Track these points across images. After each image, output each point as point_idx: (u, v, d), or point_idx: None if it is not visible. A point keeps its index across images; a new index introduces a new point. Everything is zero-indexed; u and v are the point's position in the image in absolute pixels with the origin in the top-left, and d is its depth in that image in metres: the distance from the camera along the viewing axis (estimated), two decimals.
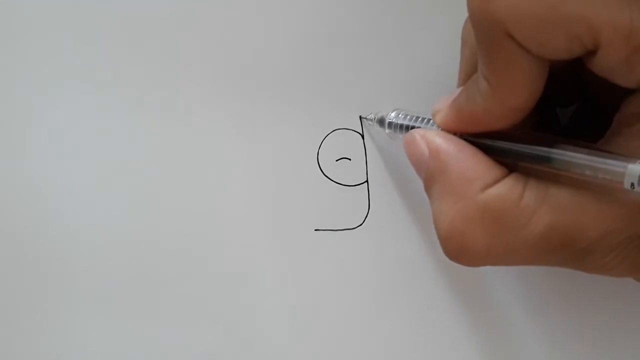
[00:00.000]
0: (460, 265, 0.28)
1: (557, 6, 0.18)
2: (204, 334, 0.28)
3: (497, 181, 0.21)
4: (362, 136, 0.28)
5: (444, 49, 0.28)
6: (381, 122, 0.27)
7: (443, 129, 0.23)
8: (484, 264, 0.22)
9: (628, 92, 0.21)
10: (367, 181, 0.28)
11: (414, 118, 0.25)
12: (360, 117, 0.28)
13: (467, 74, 0.24)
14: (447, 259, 0.28)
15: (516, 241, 0.20)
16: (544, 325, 0.28)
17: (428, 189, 0.23)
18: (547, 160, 0.20)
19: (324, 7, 0.28)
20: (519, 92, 0.20)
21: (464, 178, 0.21)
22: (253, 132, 0.28)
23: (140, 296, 0.28)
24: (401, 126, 0.26)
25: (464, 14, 0.21)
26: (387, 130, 0.26)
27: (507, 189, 0.21)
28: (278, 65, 0.28)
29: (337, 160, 0.28)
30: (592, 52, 0.19)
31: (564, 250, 0.20)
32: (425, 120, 0.25)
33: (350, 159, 0.28)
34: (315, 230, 0.28)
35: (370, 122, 0.28)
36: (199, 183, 0.28)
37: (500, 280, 0.28)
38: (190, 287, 0.28)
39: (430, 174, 0.22)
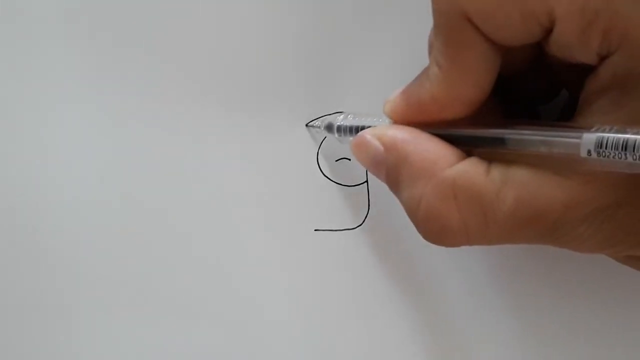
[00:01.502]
0: (460, 266, 0.28)
1: None
2: (204, 333, 0.28)
3: (461, 159, 0.21)
4: None
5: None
6: (329, 128, 0.26)
7: (393, 120, 0.23)
8: (463, 243, 0.21)
9: (590, 71, 0.20)
10: (367, 181, 0.28)
11: (362, 118, 0.25)
12: (307, 125, 0.28)
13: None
14: (447, 260, 0.28)
15: (490, 216, 0.20)
16: (545, 325, 0.28)
17: (393, 182, 0.22)
18: (501, 142, 0.20)
19: (324, 7, 0.28)
20: (468, 80, 0.20)
21: (428, 160, 0.21)
22: (253, 132, 0.28)
23: (140, 296, 0.28)
24: (350, 129, 0.25)
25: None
26: (336, 135, 0.26)
27: (473, 164, 0.21)
28: (278, 66, 0.28)
29: (337, 160, 0.28)
30: (548, 31, 0.19)
31: (534, 225, 0.20)
32: (376, 119, 0.24)
33: (350, 159, 0.28)
34: (315, 230, 0.28)
35: (317, 130, 0.27)
36: (199, 183, 0.28)
37: (500, 280, 0.28)
38: (190, 287, 0.28)
39: (392, 167, 0.22)
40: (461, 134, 0.21)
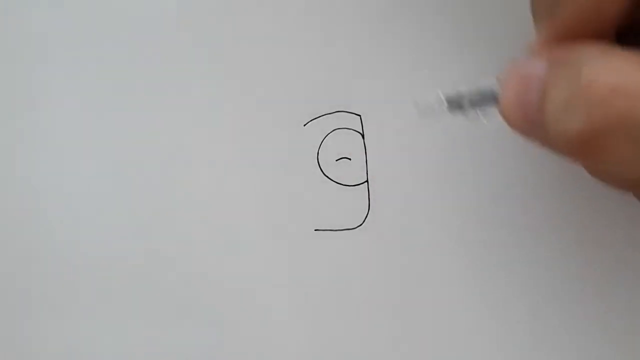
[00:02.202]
0: (460, 266, 0.28)
1: None
2: (204, 333, 0.28)
3: None
4: (363, 136, 0.28)
5: (453, 50, 0.28)
6: (452, 103, 0.21)
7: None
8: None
9: None
10: (367, 181, 0.28)
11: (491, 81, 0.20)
12: (416, 109, 0.22)
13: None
14: (447, 260, 0.28)
15: None
16: (545, 326, 0.28)
17: (553, 77, 0.17)
18: None
19: (325, 6, 0.28)
20: None
21: (608, 49, 0.17)
22: (253, 132, 0.28)
23: (140, 297, 0.28)
24: (492, 95, 0.20)
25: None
26: (467, 108, 0.21)
27: None
28: (278, 65, 0.28)
29: (337, 160, 0.28)
30: None
31: None
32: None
33: (350, 159, 0.28)
34: (315, 230, 0.28)
35: (431, 109, 0.21)
36: (198, 183, 0.28)
37: (501, 280, 0.28)
38: (189, 288, 0.28)
39: (558, 64, 0.17)
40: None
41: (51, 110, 0.29)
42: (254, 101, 0.28)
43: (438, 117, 0.21)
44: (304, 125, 0.28)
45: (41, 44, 0.29)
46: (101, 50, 0.29)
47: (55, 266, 0.28)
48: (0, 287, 0.29)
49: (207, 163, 0.28)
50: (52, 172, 0.28)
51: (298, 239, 0.28)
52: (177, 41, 0.28)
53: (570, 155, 0.17)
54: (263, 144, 0.28)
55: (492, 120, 0.20)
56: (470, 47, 0.28)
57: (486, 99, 0.20)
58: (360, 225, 0.28)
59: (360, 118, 0.28)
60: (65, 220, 0.28)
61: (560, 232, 0.27)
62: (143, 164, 0.28)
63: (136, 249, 0.28)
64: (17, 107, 0.29)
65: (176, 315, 0.28)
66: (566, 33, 0.18)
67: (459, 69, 0.28)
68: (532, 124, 0.18)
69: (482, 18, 0.28)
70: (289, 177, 0.28)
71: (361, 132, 0.28)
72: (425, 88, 0.28)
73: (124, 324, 0.28)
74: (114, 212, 0.28)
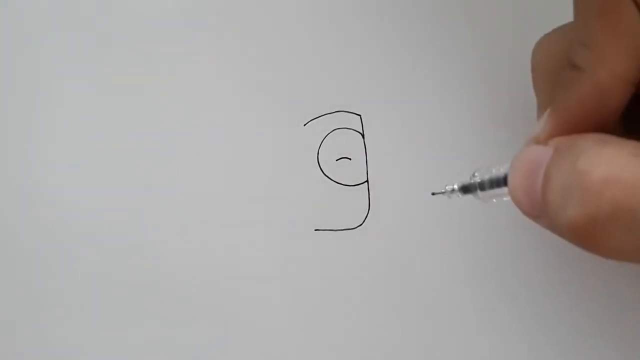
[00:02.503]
0: (460, 266, 0.28)
1: None
2: (204, 333, 0.28)
3: None
4: (363, 136, 0.28)
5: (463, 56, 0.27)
6: (465, 189, 0.23)
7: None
8: (631, 208, 0.16)
9: None
10: (367, 181, 0.28)
11: (502, 167, 0.21)
12: (433, 194, 0.25)
13: (547, 105, 0.21)
14: (447, 260, 0.28)
15: None
16: (545, 327, 0.28)
17: (555, 167, 0.18)
18: None
19: (325, 6, 0.28)
20: (627, 55, 0.18)
21: (612, 137, 0.17)
22: (253, 132, 0.28)
23: (140, 296, 0.28)
24: (497, 181, 0.21)
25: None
26: (479, 193, 0.22)
27: None
28: (278, 65, 0.28)
29: (337, 160, 0.28)
30: None
31: None
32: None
33: (350, 159, 0.28)
34: (315, 230, 0.28)
35: (448, 195, 0.24)
36: (199, 183, 0.28)
37: (502, 280, 0.28)
38: (189, 287, 0.28)
39: (560, 153, 0.18)
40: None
41: (52, 110, 0.29)
42: (254, 101, 0.28)
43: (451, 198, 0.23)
44: (304, 125, 0.28)
45: (41, 43, 0.29)
46: (101, 50, 0.29)
47: (55, 266, 0.28)
48: (0, 287, 0.29)
49: (208, 163, 0.28)
50: (52, 172, 0.29)
51: (298, 239, 0.28)
52: (177, 41, 0.28)
53: (571, 241, 0.18)
54: (263, 144, 0.28)
55: (502, 202, 0.21)
56: (470, 47, 0.28)
57: (497, 184, 0.21)
58: (360, 225, 0.28)
59: (360, 118, 0.28)
60: (66, 221, 0.28)
61: None
62: (143, 163, 0.28)
63: (136, 249, 0.28)
64: (17, 107, 0.29)
65: (176, 315, 0.28)
66: (569, 124, 0.19)
67: (459, 68, 0.28)
68: (538, 210, 0.19)
69: (482, 18, 0.28)
70: (289, 177, 0.28)
71: (361, 132, 0.28)
72: (425, 88, 0.28)
73: (124, 324, 0.28)
74: (114, 212, 0.28)
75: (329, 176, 0.28)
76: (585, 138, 0.18)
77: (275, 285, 0.28)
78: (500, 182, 0.21)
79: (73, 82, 0.29)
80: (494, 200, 0.22)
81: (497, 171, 0.21)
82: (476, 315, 0.28)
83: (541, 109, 0.22)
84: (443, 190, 0.24)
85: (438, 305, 0.28)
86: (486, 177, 0.22)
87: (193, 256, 0.28)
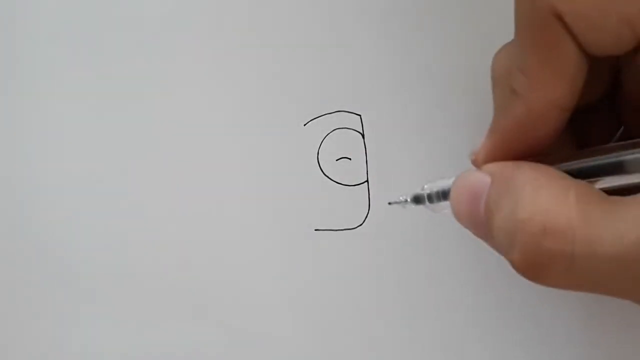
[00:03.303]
0: (460, 265, 0.28)
1: None
2: (203, 333, 0.28)
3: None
4: (363, 136, 0.28)
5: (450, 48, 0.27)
6: (418, 200, 0.24)
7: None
8: (567, 255, 0.18)
9: None
10: (367, 181, 0.28)
11: (449, 181, 0.22)
12: (389, 203, 0.26)
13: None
14: (447, 260, 0.28)
15: (607, 230, 0.17)
16: (543, 326, 0.28)
17: (492, 203, 0.19)
18: (619, 167, 0.18)
19: (326, 7, 0.28)
20: (560, 83, 0.19)
21: (544, 171, 0.19)
22: (253, 132, 0.28)
23: (140, 296, 0.28)
24: (443, 193, 0.23)
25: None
26: (427, 204, 0.24)
27: (594, 187, 0.18)
28: (278, 65, 0.28)
29: (337, 160, 0.28)
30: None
31: None
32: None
33: (350, 159, 0.28)
34: (315, 230, 0.28)
35: (403, 205, 0.25)
36: (199, 183, 0.28)
37: (502, 280, 0.28)
38: (189, 287, 0.28)
39: (497, 186, 0.20)
40: (571, 166, 0.19)
41: (52, 111, 0.29)
42: (254, 101, 0.28)
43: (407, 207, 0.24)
44: (304, 125, 0.28)
45: (41, 43, 0.29)
46: (101, 50, 0.29)
47: (56, 265, 0.28)
48: (0, 288, 0.29)
49: (208, 163, 0.28)
50: (52, 172, 0.29)
51: (298, 239, 0.28)
52: (177, 41, 0.28)
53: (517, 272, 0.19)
54: (263, 144, 0.28)
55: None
56: (471, 47, 0.28)
57: (444, 196, 0.23)
58: (360, 225, 0.28)
59: (360, 118, 0.28)
60: (66, 218, 0.28)
61: None
62: (144, 163, 0.28)
63: (136, 249, 0.28)
64: (17, 107, 0.29)
65: (174, 314, 0.28)
66: (506, 145, 0.20)
67: (459, 68, 0.28)
68: (483, 235, 0.20)
69: (482, 18, 0.28)
70: (289, 177, 0.28)
71: (361, 132, 0.28)
72: (424, 90, 0.28)
73: (123, 324, 0.28)
74: (115, 212, 0.28)
75: (329, 176, 0.28)
76: (521, 174, 0.19)
77: (275, 285, 0.28)
78: (447, 195, 0.22)
79: (73, 81, 0.29)
80: (446, 211, 0.23)
81: (444, 184, 0.23)
82: (476, 315, 0.28)
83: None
84: (398, 200, 0.25)
85: (438, 305, 0.28)
86: (434, 190, 0.23)
87: (192, 256, 0.28)
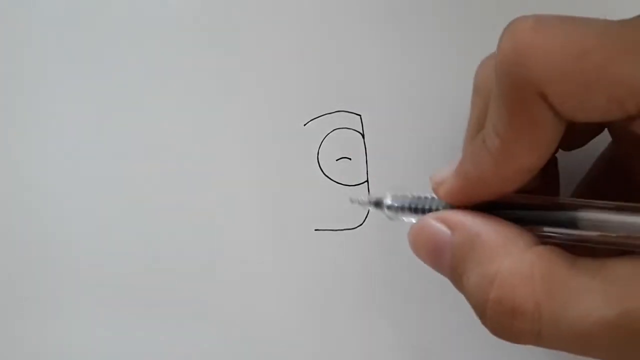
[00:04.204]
0: None
1: (602, 67, 0.17)
2: (203, 333, 0.28)
3: (537, 244, 0.19)
4: (363, 136, 0.28)
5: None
6: (377, 204, 0.25)
7: (449, 202, 0.21)
8: (533, 337, 0.19)
9: None
10: (367, 181, 0.28)
11: (415, 198, 0.23)
12: (350, 200, 0.27)
13: (479, 126, 0.22)
14: None
15: (573, 310, 0.18)
16: None
17: (459, 265, 0.20)
18: (573, 223, 0.18)
19: (326, 7, 0.28)
20: (533, 152, 0.19)
21: (504, 237, 0.19)
22: (253, 132, 0.28)
23: (140, 296, 0.28)
24: (402, 208, 0.24)
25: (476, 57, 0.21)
26: (386, 212, 0.24)
27: (555, 251, 0.19)
28: (278, 65, 0.28)
29: (337, 160, 0.28)
30: (632, 118, 0.17)
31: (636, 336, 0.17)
32: (430, 199, 0.23)
33: (350, 159, 0.28)
34: (315, 230, 0.28)
35: (365, 205, 0.26)
36: (199, 183, 0.28)
37: None
38: (189, 287, 0.28)
39: (460, 249, 0.20)
40: (531, 217, 0.20)
41: (54, 111, 0.29)
42: (254, 101, 0.28)
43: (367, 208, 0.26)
44: (304, 125, 0.28)
45: (41, 43, 0.29)
46: (103, 51, 0.29)
47: (56, 266, 0.28)
48: (1, 288, 0.29)
49: (208, 163, 0.28)
50: (51, 172, 0.29)
51: (298, 239, 0.28)
52: (178, 42, 0.28)
53: None
54: (263, 144, 0.28)
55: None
56: (471, 47, 0.28)
57: (402, 211, 0.24)
58: (360, 225, 0.28)
59: (360, 118, 0.28)
60: (66, 218, 0.28)
61: None
62: (144, 163, 0.28)
63: (136, 249, 0.28)
64: (18, 107, 0.29)
65: (174, 314, 0.28)
66: (471, 191, 0.21)
67: (459, 68, 0.28)
68: (449, 279, 0.21)
69: (482, 19, 0.28)
70: (289, 177, 0.28)
71: (361, 132, 0.28)
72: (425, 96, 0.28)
73: (123, 324, 0.28)
74: (115, 213, 0.28)
75: (329, 176, 0.28)
76: (484, 236, 0.20)
77: (275, 285, 0.28)
78: (405, 212, 0.23)
79: (73, 81, 0.29)
80: (403, 219, 0.24)
81: (404, 202, 0.23)
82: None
83: (471, 126, 0.23)
84: (359, 200, 0.26)
85: (438, 305, 0.28)
86: (395, 204, 0.24)
87: (193, 256, 0.28)
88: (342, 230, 0.28)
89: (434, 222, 0.21)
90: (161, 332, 0.28)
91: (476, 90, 0.23)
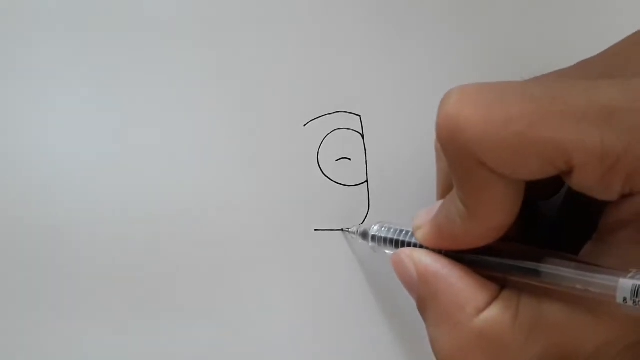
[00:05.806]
0: None
1: (526, 132, 0.18)
2: (203, 333, 0.28)
3: (489, 303, 0.21)
4: (362, 136, 0.28)
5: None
6: (364, 235, 0.27)
7: (425, 245, 0.23)
8: None
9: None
10: (367, 181, 0.28)
11: (397, 231, 0.25)
12: (342, 230, 0.28)
13: (445, 187, 0.24)
14: None
15: None
16: None
17: (422, 311, 0.23)
18: (536, 274, 0.20)
19: (326, 7, 0.28)
20: (497, 214, 0.20)
21: (456, 303, 0.21)
22: (253, 132, 0.28)
23: (140, 296, 0.28)
24: (385, 240, 0.26)
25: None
26: (370, 244, 0.26)
27: (501, 310, 0.21)
28: (278, 65, 0.28)
29: (337, 160, 0.28)
30: (568, 173, 0.19)
31: None
32: (410, 234, 0.24)
33: (350, 159, 0.28)
34: (315, 230, 0.28)
35: (353, 236, 0.28)
36: (199, 182, 0.28)
37: None
38: (189, 287, 0.28)
39: (422, 299, 0.22)
40: (498, 263, 0.21)
41: (52, 110, 0.29)
42: (254, 101, 0.28)
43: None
44: (304, 125, 0.28)
45: (40, 43, 0.29)
46: (102, 51, 0.29)
47: (56, 266, 0.28)
48: (1, 288, 0.29)
49: (207, 163, 0.28)
50: (50, 171, 0.29)
51: (298, 239, 0.28)
52: (177, 41, 0.28)
53: None
54: (263, 144, 0.28)
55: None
56: (470, 48, 0.28)
57: (385, 244, 0.26)
58: (360, 225, 0.28)
59: (360, 118, 0.28)
60: (66, 218, 0.28)
61: None
62: (143, 162, 0.28)
63: (136, 248, 0.28)
64: (18, 107, 0.29)
65: (174, 314, 0.28)
66: (445, 242, 0.22)
67: (459, 69, 0.28)
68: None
69: (482, 20, 0.28)
70: (289, 177, 0.28)
71: (361, 132, 0.28)
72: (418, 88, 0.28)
73: (123, 324, 0.28)
74: (114, 212, 0.28)
75: (329, 176, 0.28)
76: (441, 295, 0.22)
77: (275, 285, 0.28)
78: (387, 245, 0.26)
79: (73, 81, 0.29)
80: (386, 252, 0.26)
81: (389, 235, 0.25)
82: None
83: (439, 188, 0.25)
84: (348, 230, 0.28)
85: None
86: (380, 235, 0.26)
87: (192, 256, 0.28)
88: (342, 230, 0.28)
89: (407, 262, 0.23)
90: (161, 332, 0.28)
91: (438, 156, 0.24)
